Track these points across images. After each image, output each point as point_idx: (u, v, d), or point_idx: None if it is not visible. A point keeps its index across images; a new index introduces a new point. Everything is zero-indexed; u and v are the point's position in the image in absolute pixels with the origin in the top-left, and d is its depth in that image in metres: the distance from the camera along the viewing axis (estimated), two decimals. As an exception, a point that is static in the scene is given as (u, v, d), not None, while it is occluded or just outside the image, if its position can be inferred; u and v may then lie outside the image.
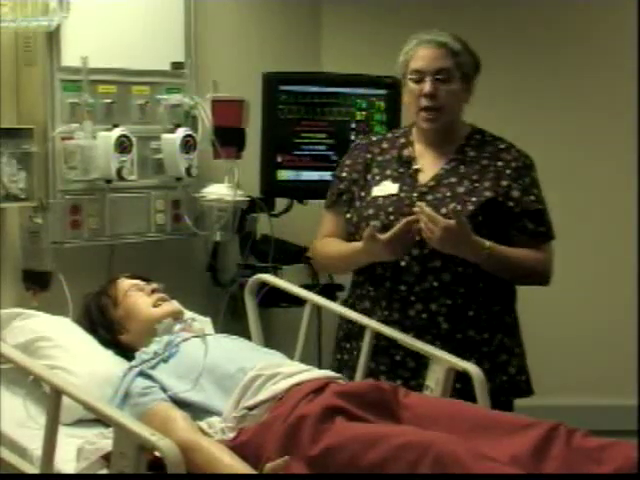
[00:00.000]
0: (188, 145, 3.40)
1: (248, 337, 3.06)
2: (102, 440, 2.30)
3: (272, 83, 3.67)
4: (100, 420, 2.36)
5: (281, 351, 2.75)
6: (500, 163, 2.88)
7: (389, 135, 3.04)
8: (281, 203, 3.75)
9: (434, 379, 2.67)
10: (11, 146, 3.05)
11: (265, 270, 3.29)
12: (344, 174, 2.99)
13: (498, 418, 2.30)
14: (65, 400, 2.15)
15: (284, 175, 3.67)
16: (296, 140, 3.69)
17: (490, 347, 2.86)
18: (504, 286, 2.91)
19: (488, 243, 2.74)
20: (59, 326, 2.89)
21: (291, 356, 2.87)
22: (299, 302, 3.03)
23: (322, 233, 3.02)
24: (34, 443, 2.35)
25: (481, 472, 1.98)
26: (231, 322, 3.47)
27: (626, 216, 4.16)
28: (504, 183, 2.85)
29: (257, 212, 3.71)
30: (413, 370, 2.82)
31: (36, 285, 3.14)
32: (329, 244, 2.97)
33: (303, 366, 2.60)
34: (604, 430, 2.72)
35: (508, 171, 2.87)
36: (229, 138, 3.47)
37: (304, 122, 3.70)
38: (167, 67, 3.49)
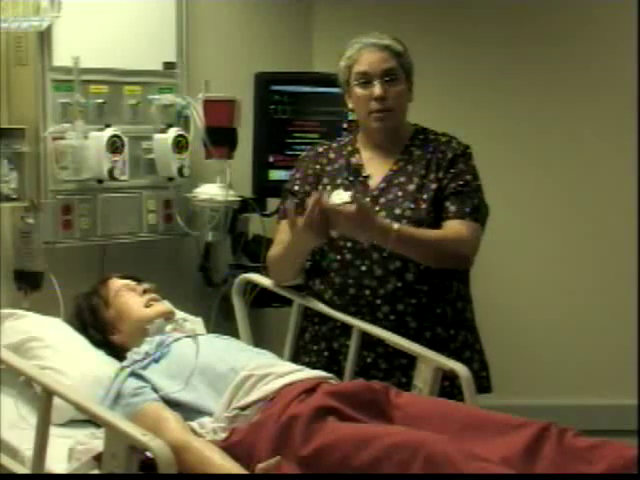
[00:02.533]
0: (180, 145, 3.40)
1: (240, 337, 3.07)
2: (93, 440, 2.29)
3: (264, 83, 3.68)
4: (91, 420, 2.36)
5: (273, 351, 2.75)
6: (440, 155, 2.91)
7: (334, 144, 3.04)
8: (273, 203, 3.75)
9: (422, 379, 2.67)
10: (2, 146, 3.04)
11: (257, 270, 3.28)
12: (297, 187, 2.99)
13: (489, 418, 2.30)
14: (56, 400, 2.15)
15: (276, 175, 3.67)
16: (288, 140, 3.69)
17: (456, 344, 2.89)
18: (464, 283, 2.94)
19: (396, 226, 2.74)
20: (50, 326, 2.89)
21: (283, 356, 2.88)
22: (291, 302, 3.03)
23: (277, 243, 2.99)
24: (25, 444, 2.35)
25: (472, 472, 1.98)
26: (223, 322, 3.46)
27: (625, 209, 4.17)
28: (440, 174, 2.88)
29: (249, 212, 3.71)
30: (385, 371, 2.83)
31: (28, 285, 3.13)
32: (277, 246, 2.95)
33: (295, 366, 2.60)
34: (604, 430, 2.73)
35: (444, 162, 2.90)
36: (221, 138, 3.47)
37: (296, 122, 3.71)
38: (159, 67, 3.50)
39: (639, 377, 3.89)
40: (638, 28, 4.00)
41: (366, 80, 2.88)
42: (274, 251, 2.97)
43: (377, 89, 2.86)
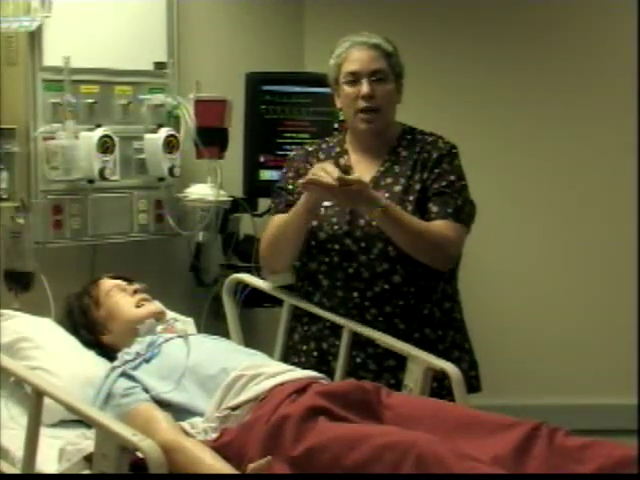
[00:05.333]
0: (171, 145, 3.40)
1: (230, 337, 3.07)
2: (84, 441, 2.29)
3: (255, 83, 3.68)
4: (82, 421, 2.36)
5: (264, 351, 2.74)
6: (425, 155, 2.90)
7: (324, 145, 3.03)
8: (264, 203, 3.75)
9: (413, 379, 2.67)
10: (-7, 146, 3.05)
11: (247, 270, 3.28)
12: (291, 187, 2.98)
13: (481, 417, 2.30)
14: (47, 401, 2.15)
15: (267, 175, 3.67)
16: (279, 140, 3.69)
17: (445, 344, 2.89)
18: (450, 283, 2.94)
19: (385, 202, 2.73)
20: (41, 327, 2.88)
21: (273, 356, 2.88)
22: (281, 302, 3.03)
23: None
24: (15, 444, 2.34)
25: (463, 472, 1.98)
26: (214, 322, 3.47)
27: (620, 209, 4.19)
28: (425, 175, 2.88)
29: (240, 212, 3.71)
30: (374, 372, 2.83)
31: (18, 286, 3.12)
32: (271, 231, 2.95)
33: (286, 366, 2.60)
34: (604, 430, 2.73)
35: (429, 163, 2.89)
36: (212, 138, 3.47)
37: (287, 122, 3.71)
38: (150, 67, 3.49)
39: (639, 377, 3.90)
40: (638, 27, 4.01)
41: (355, 79, 2.87)
42: (269, 234, 2.94)
43: (364, 87, 2.85)
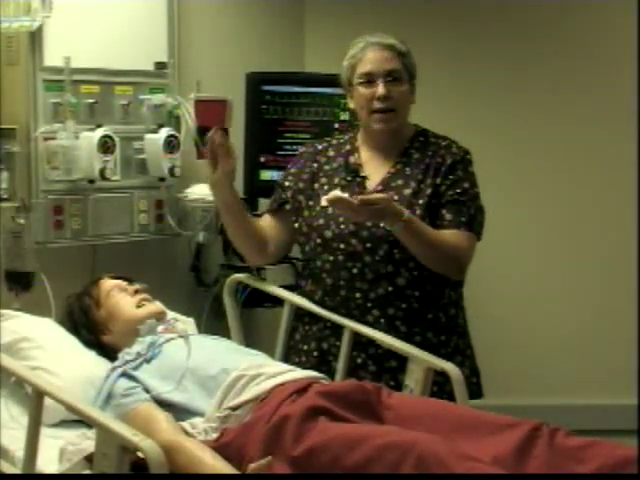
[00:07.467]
0: (171, 145, 3.41)
1: (231, 337, 3.07)
2: (85, 441, 2.29)
3: (255, 83, 3.68)
4: (83, 421, 2.36)
5: (265, 351, 2.75)
6: (439, 160, 2.89)
7: (334, 142, 3.02)
8: (264, 203, 3.74)
9: (413, 379, 2.67)
10: (-7, 146, 3.05)
11: (248, 270, 3.28)
12: (287, 183, 2.99)
13: (481, 418, 2.30)
14: (47, 401, 2.15)
15: (267, 175, 3.67)
16: (279, 140, 3.69)
17: (447, 349, 2.88)
18: (456, 289, 2.93)
19: (407, 215, 2.71)
20: (42, 327, 2.88)
21: (274, 356, 2.88)
22: (282, 302, 3.03)
23: None
24: (16, 444, 2.35)
25: (464, 472, 1.98)
26: (214, 322, 3.47)
27: (620, 211, 4.19)
28: (438, 180, 2.86)
29: (240, 212, 3.70)
30: (374, 374, 2.83)
31: (19, 286, 3.13)
32: None
33: (286, 366, 2.60)
34: (604, 430, 2.73)
35: (443, 168, 2.87)
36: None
37: (287, 122, 3.70)
38: (150, 67, 3.50)
39: (639, 377, 3.90)
40: (638, 28, 4.01)
41: (369, 79, 2.86)
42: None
43: (380, 88, 2.84)
